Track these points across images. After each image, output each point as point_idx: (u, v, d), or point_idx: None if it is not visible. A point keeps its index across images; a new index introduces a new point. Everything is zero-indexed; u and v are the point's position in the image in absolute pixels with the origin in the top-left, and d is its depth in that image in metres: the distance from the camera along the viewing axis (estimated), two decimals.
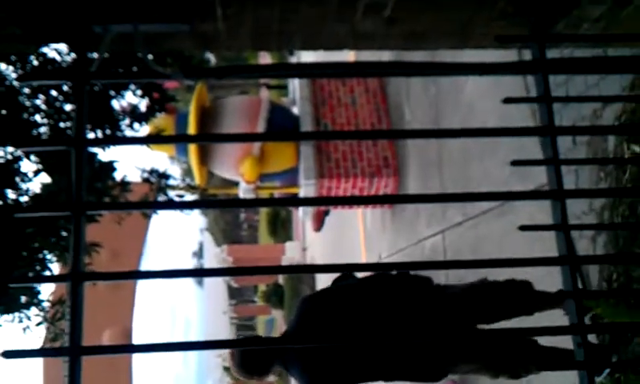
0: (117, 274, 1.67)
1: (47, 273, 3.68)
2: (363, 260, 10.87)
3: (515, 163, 1.77)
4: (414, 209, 7.57)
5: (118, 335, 25.48)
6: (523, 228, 1.74)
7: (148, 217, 4.79)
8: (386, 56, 7.20)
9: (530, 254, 4.21)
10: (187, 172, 9.01)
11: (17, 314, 3.61)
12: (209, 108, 8.54)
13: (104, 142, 2.77)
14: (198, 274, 1.77)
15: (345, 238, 13.35)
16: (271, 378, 3.47)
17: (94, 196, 3.60)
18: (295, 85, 9.64)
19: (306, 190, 7.90)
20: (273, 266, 2.03)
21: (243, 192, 8.49)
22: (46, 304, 3.76)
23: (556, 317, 2.40)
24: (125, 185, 4.02)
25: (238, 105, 8.60)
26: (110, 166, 3.80)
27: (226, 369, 34.74)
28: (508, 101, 1.82)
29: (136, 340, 28.95)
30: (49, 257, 3.63)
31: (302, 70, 2.86)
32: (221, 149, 8.42)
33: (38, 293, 3.65)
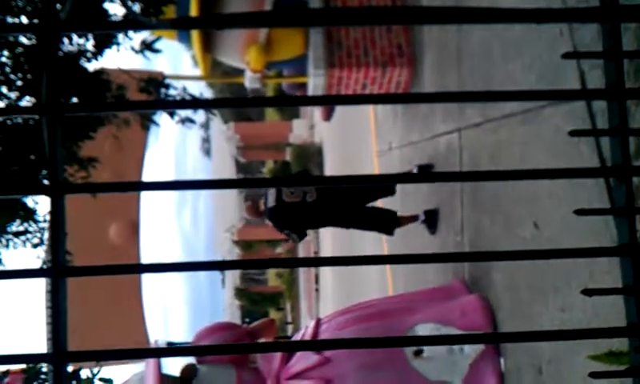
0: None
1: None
2: (373, 147, 10.67)
3: (574, 133, 1.48)
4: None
5: (125, 228, 25.74)
6: (579, 212, 1.47)
7: (147, 129, 4.53)
8: None
9: (554, 165, 3.94)
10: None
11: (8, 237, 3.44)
12: None
13: (82, 109, 2.44)
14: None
15: (355, 123, 13.02)
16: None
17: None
18: None
19: (315, 80, 7.51)
20: None
21: (249, 81, 8.10)
22: (44, 224, 3.58)
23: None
24: (121, 97, 3.71)
25: None
26: (102, 84, 3.46)
27: (235, 242, 35.64)
28: (567, 56, 1.50)
29: (143, 231, 28.98)
30: None
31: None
32: (226, 34, 7.95)
33: (34, 212, 3.46)
